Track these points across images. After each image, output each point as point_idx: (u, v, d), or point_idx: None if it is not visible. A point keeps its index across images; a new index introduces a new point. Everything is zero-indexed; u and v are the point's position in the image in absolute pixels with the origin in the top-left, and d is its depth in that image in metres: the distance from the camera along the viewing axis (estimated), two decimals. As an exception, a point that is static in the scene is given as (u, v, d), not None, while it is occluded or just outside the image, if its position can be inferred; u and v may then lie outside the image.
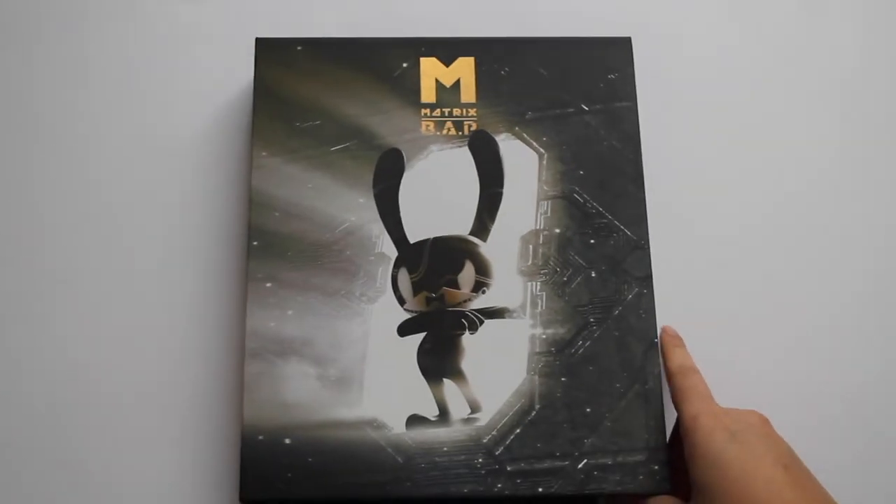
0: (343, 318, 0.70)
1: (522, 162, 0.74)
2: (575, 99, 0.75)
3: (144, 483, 0.71)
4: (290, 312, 0.70)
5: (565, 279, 0.71)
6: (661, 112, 0.79)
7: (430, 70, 0.76)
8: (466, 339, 0.70)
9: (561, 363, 0.69)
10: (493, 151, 0.74)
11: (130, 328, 0.74)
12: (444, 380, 0.69)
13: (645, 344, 0.70)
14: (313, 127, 0.74)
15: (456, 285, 0.71)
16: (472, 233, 0.72)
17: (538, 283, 0.71)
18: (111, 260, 0.75)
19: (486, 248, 0.72)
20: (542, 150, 0.74)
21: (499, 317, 0.70)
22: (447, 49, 0.76)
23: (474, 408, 0.68)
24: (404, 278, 0.71)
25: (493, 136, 0.74)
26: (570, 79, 0.76)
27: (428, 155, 0.74)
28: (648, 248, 0.72)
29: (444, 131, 0.74)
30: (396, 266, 0.71)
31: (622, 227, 0.72)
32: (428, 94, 0.75)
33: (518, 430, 0.68)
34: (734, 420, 0.63)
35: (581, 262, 0.72)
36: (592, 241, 0.72)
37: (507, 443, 0.68)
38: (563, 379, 0.69)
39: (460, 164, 0.73)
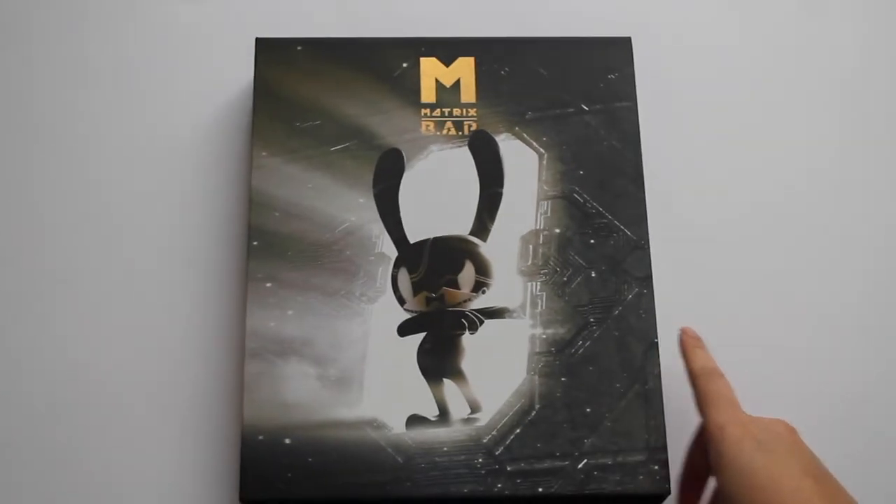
0: (343, 318, 0.70)
1: (522, 162, 0.74)
2: (575, 99, 0.75)
3: (144, 483, 0.71)
4: (290, 312, 0.70)
5: (565, 279, 0.71)
6: (661, 112, 0.78)
7: (430, 70, 0.76)
8: (466, 339, 0.70)
9: (561, 363, 0.69)
10: (493, 151, 0.74)
11: (130, 328, 0.74)
12: (444, 380, 0.69)
13: (645, 344, 0.70)
14: (313, 127, 0.74)
15: (456, 285, 0.71)
16: (472, 233, 0.72)
17: (538, 283, 0.71)
18: (111, 260, 0.75)
19: (486, 248, 0.72)
20: (542, 150, 0.74)
21: (499, 317, 0.70)
22: (447, 49, 0.76)
23: (474, 408, 0.68)
24: (404, 278, 0.71)
25: (493, 136, 0.74)
26: (570, 79, 0.76)
27: (428, 155, 0.74)
28: (648, 248, 0.72)
29: (444, 131, 0.74)
30: (396, 266, 0.71)
31: (622, 227, 0.72)
32: (428, 94, 0.75)
33: (518, 430, 0.68)
34: (762, 429, 0.62)
35: (581, 262, 0.72)
36: (592, 241, 0.72)
37: (507, 443, 0.68)
38: (563, 379, 0.69)
39: (460, 164, 0.73)
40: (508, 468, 0.67)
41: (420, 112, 0.74)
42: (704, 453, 0.64)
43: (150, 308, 0.74)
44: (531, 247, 0.72)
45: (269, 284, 0.70)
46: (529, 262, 0.72)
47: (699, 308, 0.75)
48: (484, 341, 0.70)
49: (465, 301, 0.71)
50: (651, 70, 0.79)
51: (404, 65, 0.76)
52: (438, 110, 0.75)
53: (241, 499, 0.66)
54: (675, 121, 0.80)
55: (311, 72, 0.75)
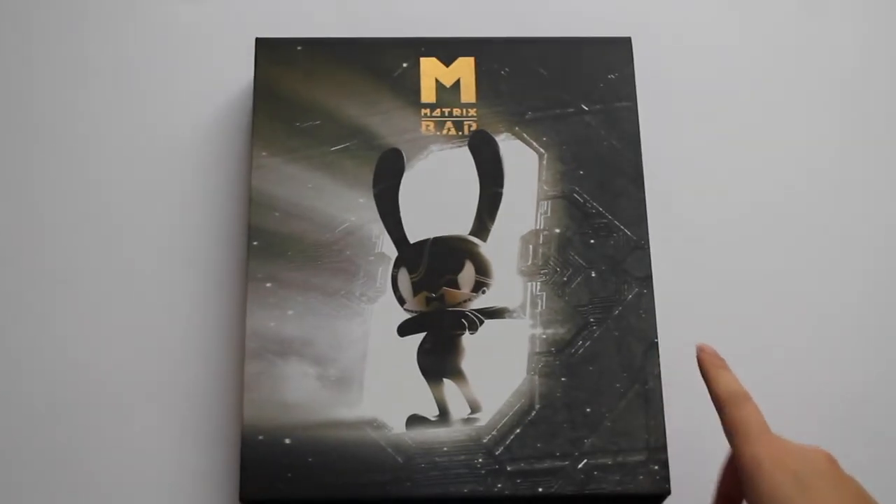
0: (343, 318, 0.70)
1: (522, 162, 0.74)
2: (575, 99, 0.75)
3: (144, 483, 0.71)
4: (290, 312, 0.70)
5: (565, 279, 0.71)
6: (661, 112, 0.78)
7: (430, 70, 0.76)
8: (466, 339, 0.70)
9: (561, 363, 0.69)
10: (493, 151, 0.74)
11: (130, 328, 0.74)
12: (444, 380, 0.69)
13: (645, 344, 0.70)
14: (313, 127, 0.74)
15: (456, 285, 0.71)
16: (472, 233, 0.72)
17: (538, 283, 0.71)
18: (111, 260, 0.75)
19: (486, 248, 0.72)
20: (542, 150, 0.74)
21: (499, 317, 0.70)
22: (447, 49, 0.76)
23: (474, 408, 0.68)
24: (404, 278, 0.71)
25: (493, 136, 0.74)
26: (570, 79, 0.76)
27: (428, 155, 0.74)
28: (648, 248, 0.72)
29: (444, 131, 0.74)
30: (396, 266, 0.71)
31: (622, 227, 0.72)
32: (428, 94, 0.75)
33: (518, 430, 0.68)
34: (800, 461, 0.57)
35: (581, 262, 0.72)
36: (592, 241, 0.72)
37: (507, 443, 0.68)
38: (563, 379, 0.69)
39: (460, 164, 0.73)
40: (508, 468, 0.67)
41: (420, 112, 0.74)
42: (737, 482, 0.60)
43: (150, 308, 0.74)
44: (531, 247, 0.72)
45: (269, 284, 0.70)
46: (529, 262, 0.72)
47: (699, 308, 0.75)
48: (484, 341, 0.70)
49: (465, 301, 0.71)
50: (651, 70, 0.79)
51: (404, 65, 0.76)
52: (438, 110, 0.75)
53: (241, 499, 0.66)
54: (675, 121, 0.80)
55: (311, 72, 0.75)
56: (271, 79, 0.74)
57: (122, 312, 0.74)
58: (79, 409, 0.72)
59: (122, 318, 0.74)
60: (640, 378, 0.69)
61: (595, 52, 0.76)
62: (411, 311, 0.70)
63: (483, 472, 0.67)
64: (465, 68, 0.76)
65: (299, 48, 0.75)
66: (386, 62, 0.75)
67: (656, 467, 0.67)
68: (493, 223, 0.72)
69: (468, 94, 0.75)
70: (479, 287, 0.71)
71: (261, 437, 0.67)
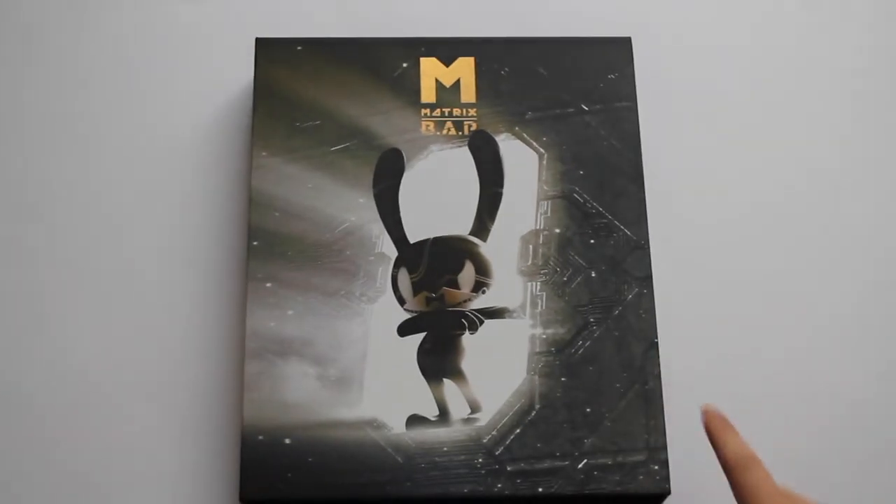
0: (343, 318, 0.70)
1: (522, 162, 0.74)
2: (575, 99, 0.75)
3: (144, 483, 0.71)
4: (290, 312, 0.70)
5: (565, 279, 0.71)
6: (661, 112, 0.78)
7: (430, 70, 0.76)
8: (466, 339, 0.70)
9: (561, 363, 0.69)
10: (493, 151, 0.74)
11: (130, 328, 0.74)
12: (444, 380, 0.69)
13: (645, 344, 0.70)
14: (313, 127, 0.74)
15: (456, 285, 0.71)
16: (472, 233, 0.72)
17: (538, 283, 0.71)
18: (111, 260, 0.75)
19: (486, 248, 0.72)
20: (542, 150, 0.74)
21: (499, 317, 0.70)
22: (447, 49, 0.76)
23: (474, 408, 0.68)
24: (404, 278, 0.71)
25: (493, 136, 0.74)
26: (570, 79, 0.76)
27: (428, 155, 0.74)
28: (648, 248, 0.72)
29: (444, 131, 0.74)
30: (396, 266, 0.71)
31: (622, 227, 0.72)
32: (428, 94, 0.75)
33: (518, 430, 0.68)
34: None
35: (581, 262, 0.72)
36: (592, 241, 0.72)
37: (507, 443, 0.68)
38: (563, 379, 0.69)
39: (460, 164, 0.73)
40: (508, 468, 0.67)
41: (420, 112, 0.74)
42: None
43: (150, 308, 0.74)
44: (531, 247, 0.72)
45: (269, 284, 0.70)
46: (529, 262, 0.72)
47: (699, 308, 0.75)
48: (484, 341, 0.70)
49: (465, 301, 0.71)
50: (651, 70, 0.79)
51: (404, 65, 0.76)
52: (438, 110, 0.75)
53: (241, 499, 0.66)
54: (675, 121, 0.80)
55: (311, 72, 0.75)
56: (271, 79, 0.74)
57: (122, 312, 0.74)
58: (78, 409, 0.72)
59: (122, 317, 0.74)
60: (640, 378, 0.69)
61: (595, 52, 0.76)
62: (411, 311, 0.70)
63: (483, 472, 0.67)
64: (465, 68, 0.76)
65: (299, 48, 0.75)
66: (386, 62, 0.75)
67: (656, 467, 0.67)
68: (493, 223, 0.72)
69: (468, 94, 0.75)
70: (479, 287, 0.71)
71: (261, 437, 0.67)
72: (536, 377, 0.69)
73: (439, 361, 0.69)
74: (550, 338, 0.70)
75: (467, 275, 0.71)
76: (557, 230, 0.72)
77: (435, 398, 0.68)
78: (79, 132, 0.78)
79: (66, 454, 0.71)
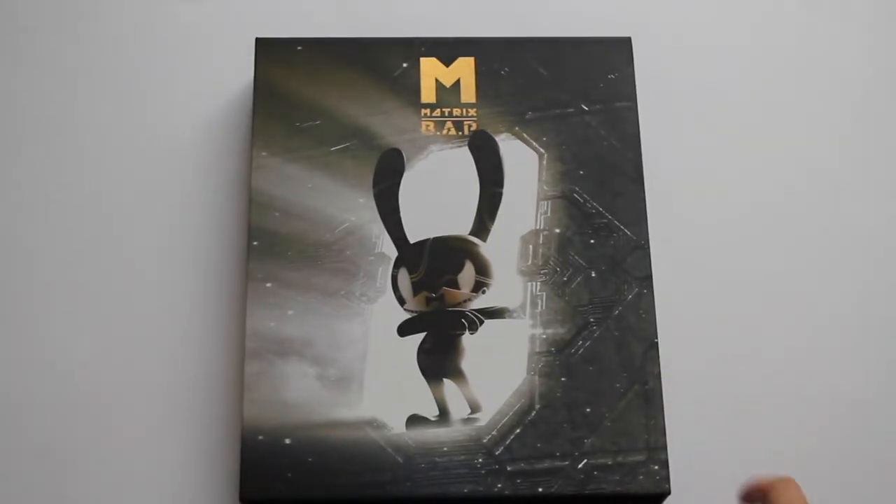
0: (343, 318, 0.70)
1: (522, 162, 0.74)
2: (575, 99, 0.75)
3: (144, 483, 0.71)
4: (290, 312, 0.70)
5: (565, 279, 0.71)
6: (661, 112, 0.78)
7: (430, 70, 0.76)
8: (466, 339, 0.70)
9: (561, 363, 0.69)
10: (493, 151, 0.74)
11: (130, 328, 0.74)
12: (444, 380, 0.69)
13: (645, 344, 0.70)
14: (313, 127, 0.74)
15: (456, 285, 0.71)
16: (472, 233, 0.72)
17: (538, 283, 0.71)
18: (111, 260, 0.75)
19: (486, 248, 0.72)
20: (542, 150, 0.74)
21: (499, 317, 0.70)
22: (447, 49, 0.76)
23: (474, 408, 0.68)
24: (404, 278, 0.71)
25: (493, 136, 0.74)
26: (570, 79, 0.76)
27: (428, 155, 0.74)
28: (648, 248, 0.72)
29: (444, 131, 0.74)
30: (396, 266, 0.71)
31: (622, 227, 0.72)
32: (428, 94, 0.75)
33: (518, 430, 0.68)
34: None
35: (581, 262, 0.72)
36: (592, 241, 0.72)
37: (507, 443, 0.68)
38: (563, 379, 0.69)
39: (460, 164, 0.73)
40: (508, 468, 0.67)
41: (420, 112, 0.74)
42: None
43: (150, 308, 0.74)
44: (531, 247, 0.72)
45: (269, 284, 0.70)
46: (529, 262, 0.72)
47: (699, 308, 0.75)
48: (484, 341, 0.70)
49: (465, 301, 0.71)
50: (651, 70, 0.79)
51: (404, 65, 0.76)
52: (438, 110, 0.75)
53: (241, 499, 0.66)
54: (675, 121, 0.80)
55: (311, 72, 0.75)
56: (271, 79, 0.75)
57: (122, 312, 0.74)
58: (78, 409, 0.72)
59: (122, 317, 0.74)
60: (640, 378, 0.69)
61: (595, 52, 0.76)
62: (411, 311, 0.70)
63: (483, 472, 0.67)
64: (465, 68, 0.76)
65: (299, 48, 0.75)
66: (386, 62, 0.75)
67: (656, 467, 0.67)
68: (493, 223, 0.72)
69: (468, 94, 0.75)
70: (479, 287, 0.71)
71: (261, 437, 0.67)
72: (536, 377, 0.69)
73: (439, 361, 0.69)
74: (550, 338, 0.70)
75: (467, 275, 0.71)
76: (557, 230, 0.72)
77: (435, 398, 0.68)
78: (79, 132, 0.78)
79: (66, 454, 0.71)
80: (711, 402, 0.73)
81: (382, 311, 0.70)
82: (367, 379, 0.68)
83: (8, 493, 0.70)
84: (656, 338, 0.70)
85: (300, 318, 0.69)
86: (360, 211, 0.72)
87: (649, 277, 0.71)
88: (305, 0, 0.82)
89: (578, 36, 0.78)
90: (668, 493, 0.67)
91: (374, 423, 0.67)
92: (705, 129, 0.80)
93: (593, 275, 0.71)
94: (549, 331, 0.70)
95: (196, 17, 0.81)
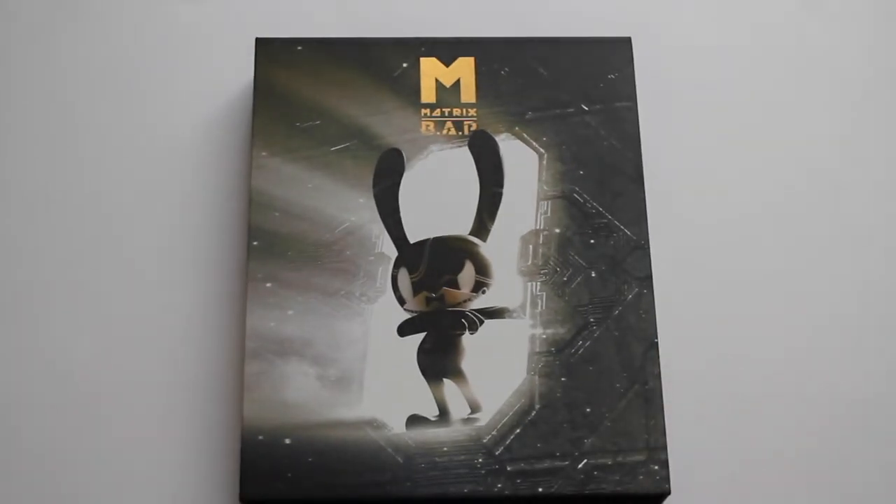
0: (343, 318, 0.70)
1: (522, 162, 0.74)
2: (575, 99, 0.75)
3: (144, 483, 0.70)
4: (290, 312, 0.70)
5: (565, 279, 0.71)
6: (661, 112, 0.79)
7: (430, 70, 0.76)
8: (466, 339, 0.70)
9: (561, 363, 0.69)
10: (493, 151, 0.74)
11: (130, 328, 0.74)
12: (444, 380, 0.69)
13: (645, 344, 0.70)
14: (313, 127, 0.74)
15: (456, 285, 0.71)
16: (472, 233, 0.72)
17: (538, 283, 0.71)
18: (110, 260, 0.75)
19: (486, 248, 0.72)
20: (542, 150, 0.74)
21: (499, 317, 0.70)
22: (447, 49, 0.76)
23: (474, 408, 0.68)
24: (404, 278, 0.71)
25: (493, 136, 0.74)
26: (570, 79, 0.76)
27: (428, 155, 0.74)
28: (648, 248, 0.72)
29: (444, 131, 0.74)
30: (396, 266, 0.71)
31: (622, 227, 0.72)
32: (428, 94, 0.75)
33: (518, 430, 0.68)
34: None
35: (581, 262, 0.72)
36: (592, 241, 0.72)
37: (507, 443, 0.68)
38: (563, 379, 0.69)
39: (460, 164, 0.73)
40: (508, 468, 0.67)
41: (420, 112, 0.74)
42: None
43: (150, 308, 0.74)
44: (531, 247, 0.72)
45: (269, 284, 0.70)
46: (529, 262, 0.72)
47: (699, 308, 0.75)
48: (484, 341, 0.70)
49: (465, 301, 0.71)
50: (651, 70, 0.79)
51: (404, 65, 0.76)
52: (438, 110, 0.75)
53: (241, 499, 0.66)
54: (675, 121, 0.80)
55: (311, 72, 0.75)
56: (271, 79, 0.75)
57: (121, 312, 0.74)
58: (78, 409, 0.72)
59: (122, 318, 0.74)
60: (640, 378, 0.69)
61: (595, 52, 0.76)
62: (411, 311, 0.70)
63: (483, 472, 0.67)
64: (465, 68, 0.76)
65: (299, 48, 0.75)
66: (386, 62, 0.75)
67: (656, 467, 0.67)
68: (493, 223, 0.72)
69: (468, 94, 0.75)
70: (479, 287, 0.71)
71: (261, 437, 0.67)
72: (536, 377, 0.69)
73: (439, 361, 0.69)
74: (550, 338, 0.70)
75: (467, 275, 0.71)
76: (557, 230, 0.72)
77: (435, 398, 0.68)
78: (78, 132, 0.78)
79: (66, 454, 0.71)
80: (711, 402, 0.73)
81: (382, 311, 0.70)
82: (367, 379, 0.68)
83: (8, 493, 0.70)
84: (656, 338, 0.70)
85: (300, 318, 0.69)
86: (360, 211, 0.72)
87: (649, 277, 0.71)
88: (305, 0, 0.82)
89: (578, 36, 0.78)
90: (668, 493, 0.67)
91: (374, 423, 0.67)
92: (705, 129, 0.80)
93: (593, 275, 0.71)
94: (549, 331, 0.70)
95: (196, 17, 0.81)
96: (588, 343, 0.70)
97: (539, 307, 0.71)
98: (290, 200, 0.72)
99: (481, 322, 0.70)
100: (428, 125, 0.74)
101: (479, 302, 0.71)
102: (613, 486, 0.67)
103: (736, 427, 0.73)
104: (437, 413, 0.68)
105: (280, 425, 0.67)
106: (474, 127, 0.74)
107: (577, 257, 0.72)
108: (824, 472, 0.72)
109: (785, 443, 0.72)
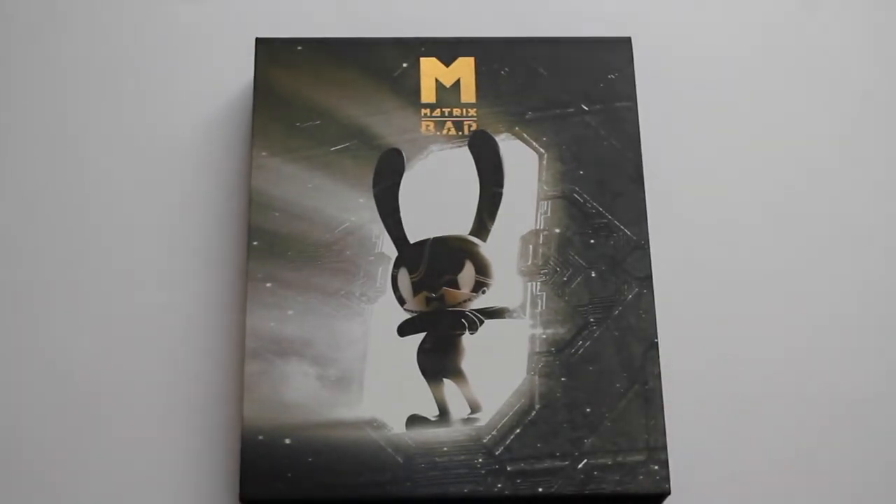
0: (343, 318, 0.70)
1: (522, 162, 0.74)
2: (575, 99, 0.75)
3: (144, 483, 0.71)
4: (290, 312, 0.70)
5: (565, 279, 0.71)
6: (661, 112, 0.79)
7: (430, 70, 0.76)
8: (466, 339, 0.70)
9: (561, 363, 0.69)
10: (493, 151, 0.74)
11: (130, 328, 0.74)
12: (444, 380, 0.69)
13: (645, 344, 0.70)
14: (313, 127, 0.74)
15: (456, 285, 0.71)
16: (472, 233, 0.72)
17: (538, 283, 0.71)
18: (111, 260, 0.75)
19: (486, 248, 0.72)
20: (542, 150, 0.74)
21: (499, 317, 0.70)
22: (447, 49, 0.76)
23: (474, 408, 0.68)
24: (404, 278, 0.71)
25: (493, 136, 0.74)
26: (570, 79, 0.76)
27: (428, 155, 0.74)
28: (648, 248, 0.72)
29: (444, 131, 0.74)
30: (396, 266, 0.71)
31: (622, 227, 0.72)
32: (428, 94, 0.75)
33: (518, 430, 0.68)
34: None
35: (581, 262, 0.72)
36: (592, 241, 0.72)
37: (507, 443, 0.68)
38: (563, 379, 0.69)
39: (460, 164, 0.74)
40: (508, 468, 0.67)
41: (420, 112, 0.74)
42: None
43: (150, 308, 0.74)
44: (531, 247, 0.72)
45: (269, 284, 0.70)
46: (529, 262, 0.72)
47: (699, 308, 0.75)
48: (484, 341, 0.70)
49: (465, 301, 0.71)
50: (651, 70, 0.79)
51: (404, 65, 0.76)
52: (438, 110, 0.75)
53: (241, 499, 0.66)
54: (675, 121, 0.80)
55: (311, 72, 0.75)
56: (271, 79, 0.75)
57: (121, 312, 0.74)
58: (78, 409, 0.72)
59: (123, 317, 0.74)
60: (640, 378, 0.69)
61: (595, 52, 0.76)
62: (411, 311, 0.70)
63: (483, 472, 0.67)
64: (465, 68, 0.76)
65: (299, 48, 0.75)
66: (386, 62, 0.75)
67: (656, 467, 0.67)
68: (493, 223, 0.72)
69: (468, 94, 0.75)
70: (479, 287, 0.71)
71: (261, 437, 0.67)
72: (536, 377, 0.69)
73: (439, 361, 0.69)
74: (550, 338, 0.70)
75: (467, 275, 0.71)
76: (557, 230, 0.72)
77: (435, 398, 0.68)
78: (78, 132, 0.78)
79: (66, 454, 0.71)
80: (711, 402, 0.73)
81: (382, 311, 0.70)
82: (367, 379, 0.68)
83: (8, 493, 0.70)
84: (656, 338, 0.70)
85: (300, 318, 0.69)
86: (360, 211, 0.72)
87: (649, 277, 0.71)
88: (305, 0, 0.82)
89: (578, 36, 0.78)
90: (668, 493, 0.67)
91: (374, 423, 0.68)
92: (705, 129, 0.80)
93: (593, 275, 0.71)
94: (549, 331, 0.70)
95: (196, 17, 0.81)
96: (588, 343, 0.70)
97: (539, 307, 0.71)
98: (290, 200, 0.72)
99: (481, 322, 0.70)
100: (428, 125, 0.74)
101: (479, 302, 0.71)
102: (613, 486, 0.67)
103: (736, 427, 0.73)
104: (437, 413, 0.68)
105: (280, 425, 0.67)
106: (474, 127, 0.74)
107: (577, 257, 0.72)
108: (824, 472, 0.72)
109: (785, 443, 0.72)
